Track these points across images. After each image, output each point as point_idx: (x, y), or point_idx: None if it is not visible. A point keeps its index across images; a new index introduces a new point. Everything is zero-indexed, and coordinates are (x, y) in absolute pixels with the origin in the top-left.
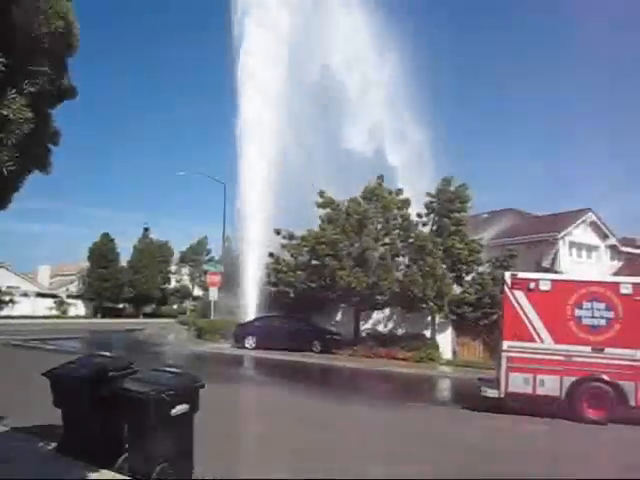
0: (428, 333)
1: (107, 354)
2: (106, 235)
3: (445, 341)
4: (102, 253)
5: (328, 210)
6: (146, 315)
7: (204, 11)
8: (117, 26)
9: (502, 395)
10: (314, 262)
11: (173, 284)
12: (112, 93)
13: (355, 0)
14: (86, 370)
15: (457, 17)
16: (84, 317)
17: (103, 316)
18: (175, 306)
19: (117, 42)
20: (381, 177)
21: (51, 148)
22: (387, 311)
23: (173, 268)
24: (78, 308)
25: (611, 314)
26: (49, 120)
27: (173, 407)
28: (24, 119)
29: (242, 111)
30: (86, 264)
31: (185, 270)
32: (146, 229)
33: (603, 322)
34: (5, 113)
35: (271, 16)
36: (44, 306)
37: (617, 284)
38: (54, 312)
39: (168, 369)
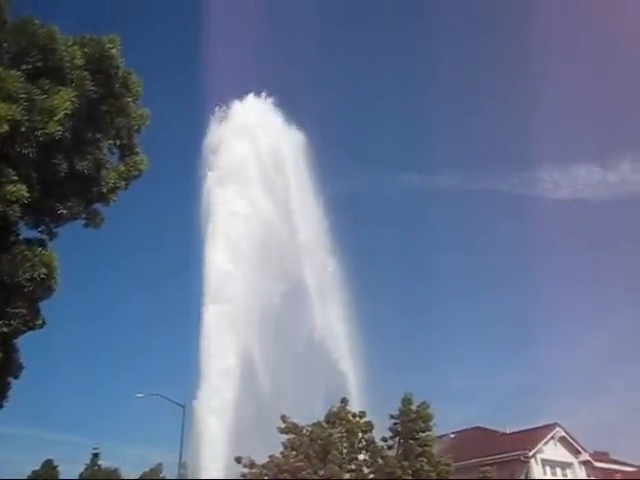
0: None
1: None
2: (49, 462)
3: None
4: None
5: (291, 436)
6: None
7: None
8: None
9: None
10: None
11: None
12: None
13: None
14: None
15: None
16: None
17: None
18: None
19: None
20: (345, 400)
21: (11, 381)
22: None
23: None
24: None
25: None
26: (15, 355)
27: None
28: None
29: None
30: None
31: None
32: (95, 455)
33: None
34: None
35: None
36: None
37: None
38: None
39: None
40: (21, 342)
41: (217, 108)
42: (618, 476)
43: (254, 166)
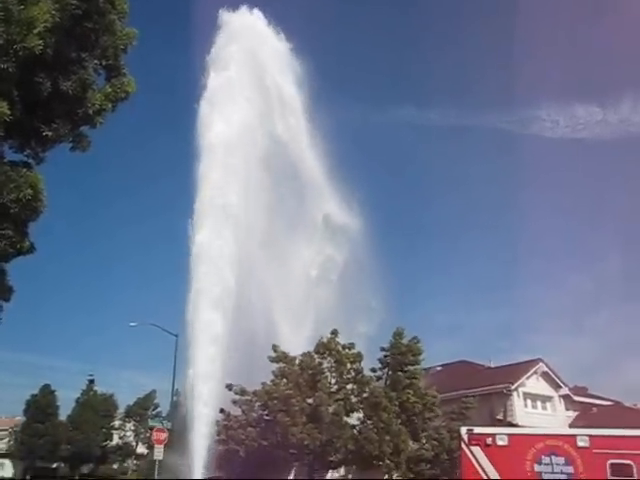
0: None
1: None
2: (47, 386)
3: None
4: (40, 406)
5: (281, 364)
6: (83, 476)
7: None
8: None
9: None
10: (266, 418)
11: (115, 441)
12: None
13: None
14: None
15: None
16: (10, 479)
17: (33, 477)
18: (115, 466)
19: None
20: (335, 331)
21: (1, 304)
22: (342, 470)
23: (117, 423)
24: (4, 469)
25: (571, 469)
26: (4, 277)
27: None
28: None
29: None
30: (21, 418)
31: (130, 425)
32: (91, 381)
33: (564, 477)
34: None
35: None
36: None
37: (574, 436)
38: None
39: None
40: (14, 269)
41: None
42: (594, 410)
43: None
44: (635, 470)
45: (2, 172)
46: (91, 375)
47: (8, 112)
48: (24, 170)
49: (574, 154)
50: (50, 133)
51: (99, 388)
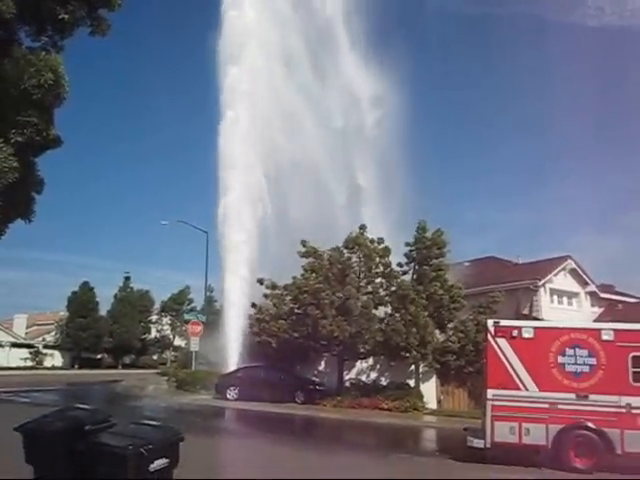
0: (412, 382)
1: (84, 407)
2: (86, 284)
3: (429, 390)
4: (81, 302)
5: (311, 259)
6: (125, 366)
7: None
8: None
9: (488, 445)
10: (297, 311)
11: (153, 334)
12: (94, 139)
13: None
14: (61, 424)
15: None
16: (61, 368)
17: (80, 367)
18: (155, 356)
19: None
20: (363, 227)
21: (35, 197)
22: (371, 360)
23: (154, 318)
24: (55, 358)
25: (594, 360)
26: (34, 169)
27: (152, 462)
28: (9, 168)
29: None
30: (65, 313)
31: (166, 320)
32: (127, 278)
33: (586, 369)
34: None
35: None
36: (19, 357)
37: (598, 330)
38: (29, 363)
39: (147, 422)
40: (45, 164)
41: None
42: (619, 306)
43: None
44: None
45: (21, 56)
46: (127, 273)
47: None
48: (43, 53)
49: (620, 44)
50: (66, 16)
51: (135, 285)
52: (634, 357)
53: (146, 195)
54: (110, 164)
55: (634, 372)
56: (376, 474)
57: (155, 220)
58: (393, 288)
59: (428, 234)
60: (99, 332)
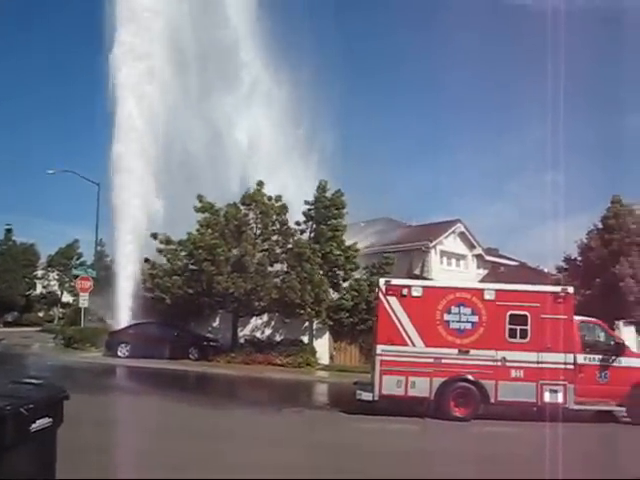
0: (306, 339)
1: None
2: None
3: (323, 346)
4: None
5: (207, 215)
6: (7, 324)
7: None
8: None
9: (376, 398)
10: (192, 267)
11: (39, 290)
12: None
13: None
14: None
15: None
16: None
17: None
18: (41, 314)
19: None
20: (261, 183)
21: None
22: (265, 317)
23: (39, 273)
24: None
25: (476, 318)
26: None
27: (33, 422)
28: None
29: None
30: None
31: (53, 275)
32: (8, 230)
33: (469, 326)
34: None
35: None
36: None
37: (481, 290)
38: None
39: (28, 381)
40: None
41: None
42: (502, 269)
43: None
44: (529, 319)
45: None
46: (9, 225)
47: None
48: None
49: None
50: None
51: (18, 239)
52: (511, 315)
53: (30, 142)
54: None
55: (510, 329)
56: (270, 427)
57: (41, 169)
58: (289, 246)
59: (328, 194)
60: None
